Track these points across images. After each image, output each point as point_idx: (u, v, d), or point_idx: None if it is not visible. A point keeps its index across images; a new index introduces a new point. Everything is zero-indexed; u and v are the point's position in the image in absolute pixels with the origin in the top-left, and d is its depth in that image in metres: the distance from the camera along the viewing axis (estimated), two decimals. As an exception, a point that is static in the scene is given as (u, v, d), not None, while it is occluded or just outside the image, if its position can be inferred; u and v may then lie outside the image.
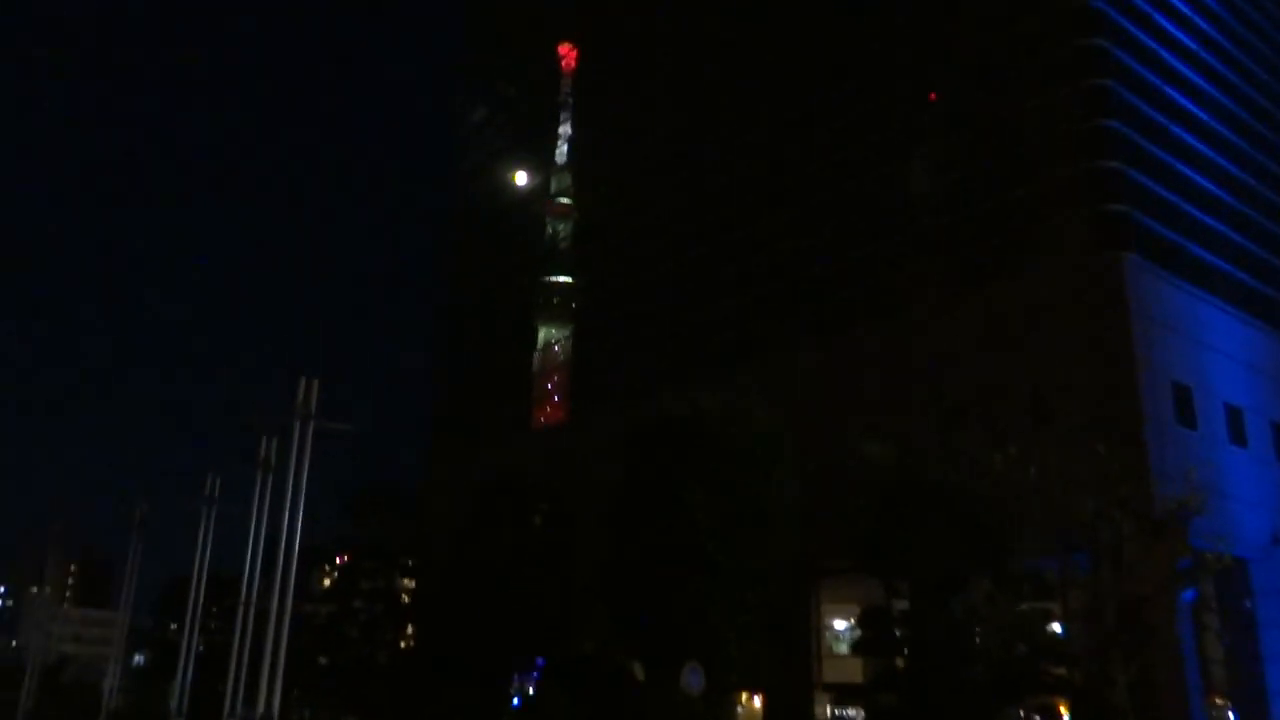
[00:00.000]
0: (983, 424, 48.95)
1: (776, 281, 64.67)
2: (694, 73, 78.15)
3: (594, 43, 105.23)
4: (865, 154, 59.24)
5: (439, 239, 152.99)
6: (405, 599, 54.94)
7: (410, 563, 53.99)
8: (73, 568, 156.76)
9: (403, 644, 55.77)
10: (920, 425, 51.94)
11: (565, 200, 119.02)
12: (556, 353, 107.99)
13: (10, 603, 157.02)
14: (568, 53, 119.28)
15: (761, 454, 40.35)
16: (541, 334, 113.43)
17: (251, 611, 36.53)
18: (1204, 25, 56.63)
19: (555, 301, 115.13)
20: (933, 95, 59.69)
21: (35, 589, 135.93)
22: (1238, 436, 48.12)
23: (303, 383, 32.57)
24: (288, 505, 32.71)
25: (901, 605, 46.46)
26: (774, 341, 62.47)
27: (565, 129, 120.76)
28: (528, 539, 46.18)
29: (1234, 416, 48.35)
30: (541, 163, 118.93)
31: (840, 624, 54.05)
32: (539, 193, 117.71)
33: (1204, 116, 53.95)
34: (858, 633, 43.83)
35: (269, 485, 37.27)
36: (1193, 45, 55.04)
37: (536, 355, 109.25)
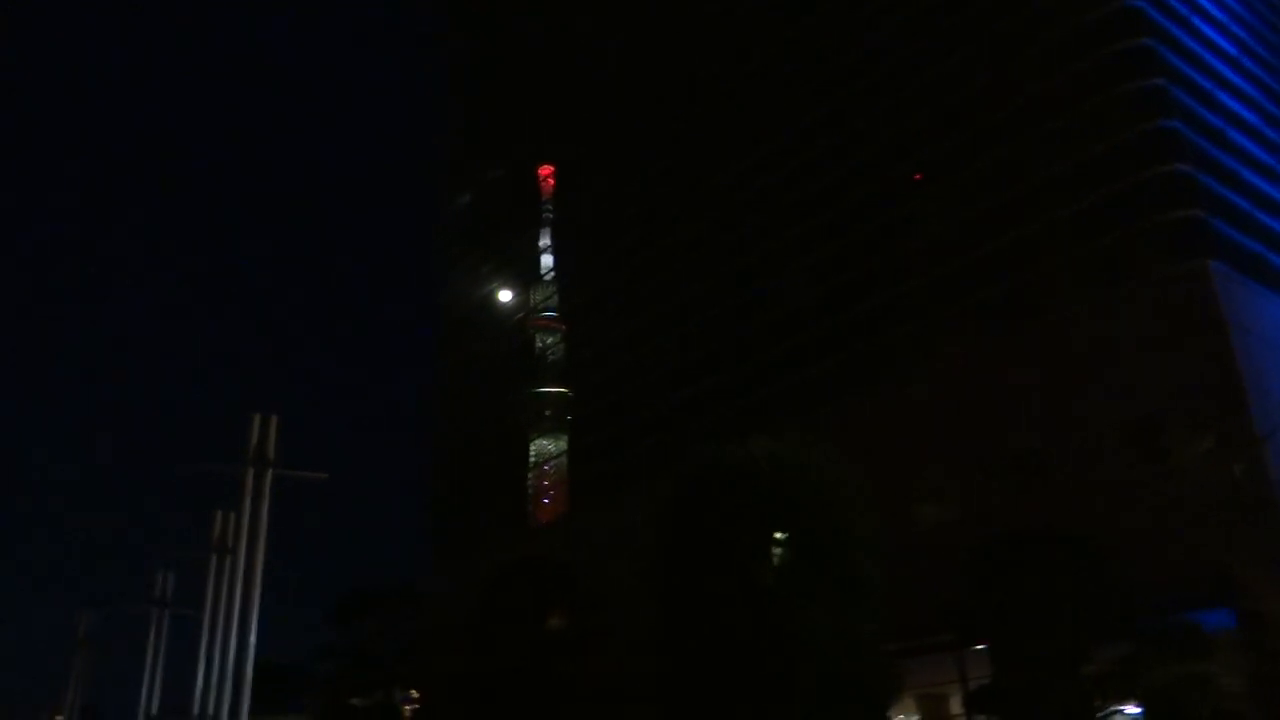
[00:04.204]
0: (1062, 467, 39.50)
1: (786, 341, 55.65)
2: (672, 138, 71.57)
3: (566, 155, 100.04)
4: (890, 184, 51.07)
5: (428, 348, 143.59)
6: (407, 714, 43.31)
7: (407, 673, 42.66)
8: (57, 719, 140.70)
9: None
10: (981, 477, 42.33)
11: (550, 314, 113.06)
12: (552, 455, 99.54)
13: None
14: (546, 174, 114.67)
15: (835, 502, 30.26)
16: (534, 445, 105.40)
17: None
18: (1241, 31, 49.52)
19: (547, 414, 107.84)
20: (918, 175, 52.15)
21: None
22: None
23: (257, 421, 22.66)
24: (240, 588, 22.49)
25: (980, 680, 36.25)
26: (791, 405, 53.00)
27: (545, 242, 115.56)
28: (550, 632, 35.45)
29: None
30: (526, 279, 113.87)
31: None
32: (525, 307, 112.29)
33: (1254, 120, 46.19)
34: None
35: (226, 571, 26.91)
36: (1234, 50, 47.70)
37: (532, 457, 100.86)
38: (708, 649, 27.18)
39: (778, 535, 29.91)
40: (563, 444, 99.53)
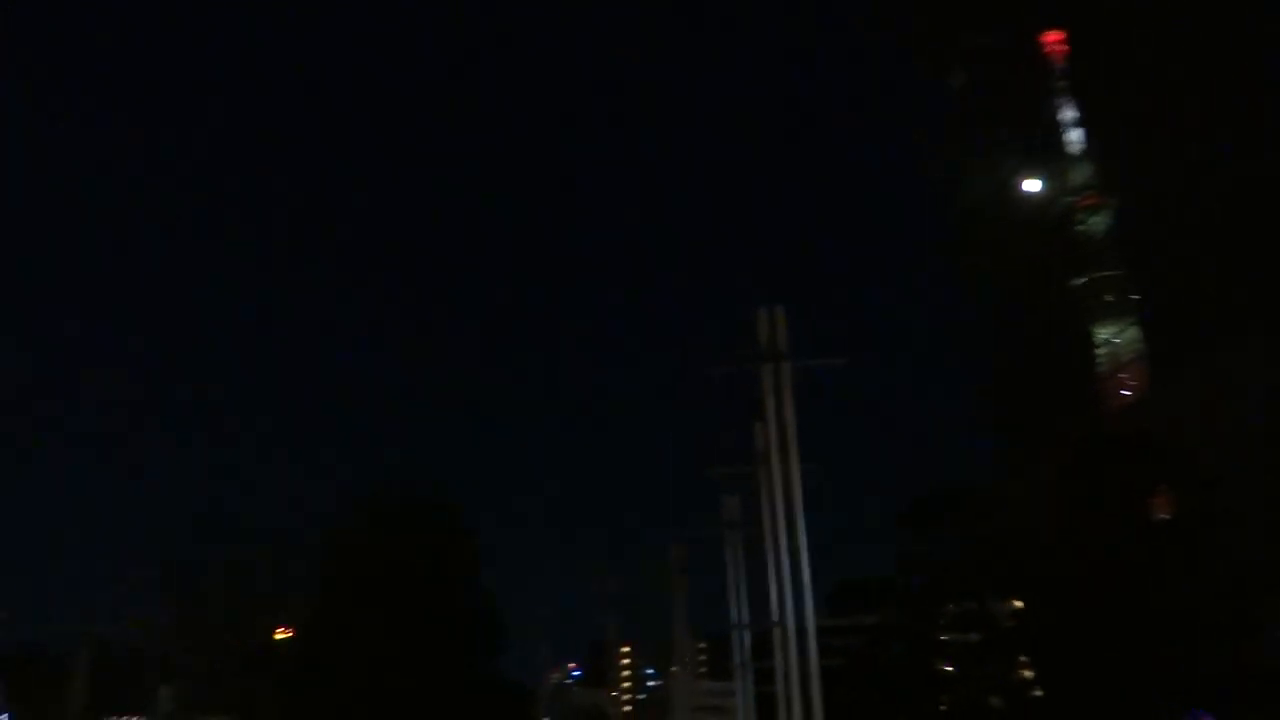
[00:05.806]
0: None
1: None
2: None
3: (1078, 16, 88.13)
4: None
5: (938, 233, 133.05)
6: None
7: (998, 577, 38.48)
8: (701, 645, 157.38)
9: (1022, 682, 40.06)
10: None
11: (1088, 189, 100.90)
12: (1115, 337, 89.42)
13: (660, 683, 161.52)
14: (1055, 40, 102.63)
15: None
16: (1098, 333, 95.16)
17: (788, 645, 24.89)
18: None
19: (1108, 299, 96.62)
20: None
21: (675, 669, 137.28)
22: None
23: (762, 316, 20.96)
24: (780, 495, 21.13)
25: None
26: None
27: (1066, 116, 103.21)
28: (1149, 516, 29.70)
29: None
30: (1048, 155, 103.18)
31: None
32: (1055, 188, 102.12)
33: None
34: None
35: (773, 480, 25.86)
36: None
37: (1101, 349, 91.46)
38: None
39: None
40: (1123, 327, 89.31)
